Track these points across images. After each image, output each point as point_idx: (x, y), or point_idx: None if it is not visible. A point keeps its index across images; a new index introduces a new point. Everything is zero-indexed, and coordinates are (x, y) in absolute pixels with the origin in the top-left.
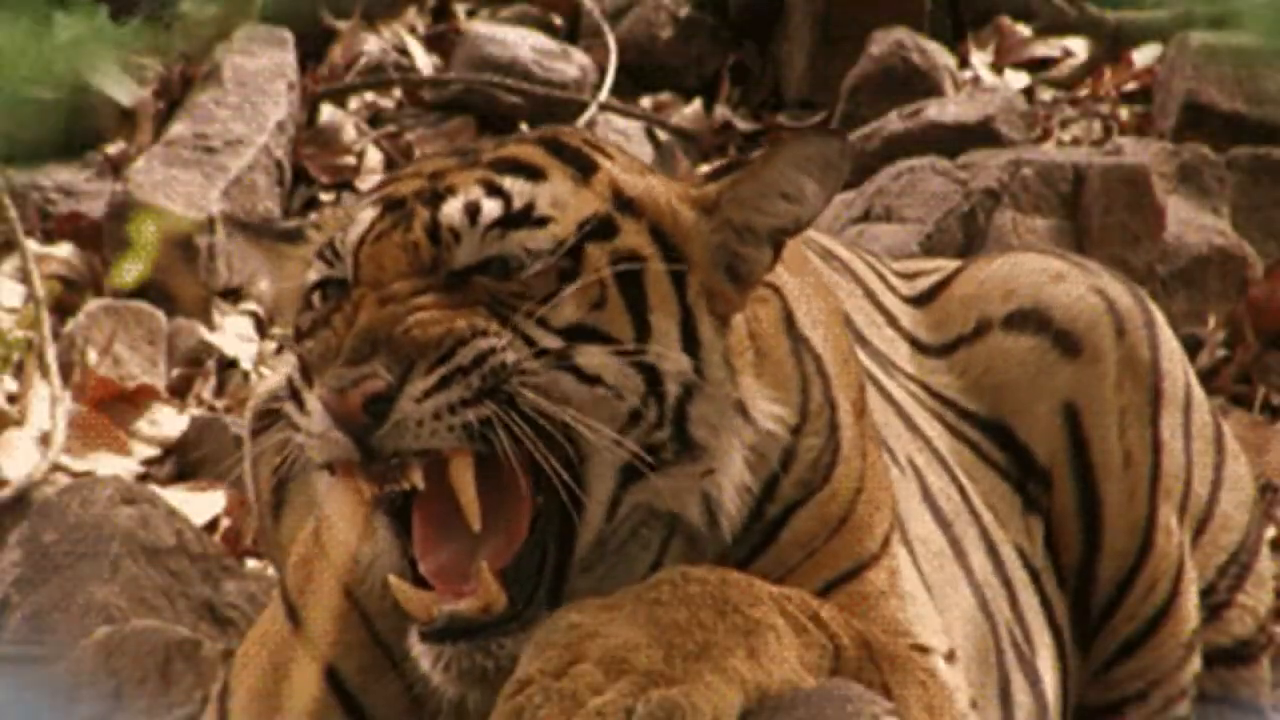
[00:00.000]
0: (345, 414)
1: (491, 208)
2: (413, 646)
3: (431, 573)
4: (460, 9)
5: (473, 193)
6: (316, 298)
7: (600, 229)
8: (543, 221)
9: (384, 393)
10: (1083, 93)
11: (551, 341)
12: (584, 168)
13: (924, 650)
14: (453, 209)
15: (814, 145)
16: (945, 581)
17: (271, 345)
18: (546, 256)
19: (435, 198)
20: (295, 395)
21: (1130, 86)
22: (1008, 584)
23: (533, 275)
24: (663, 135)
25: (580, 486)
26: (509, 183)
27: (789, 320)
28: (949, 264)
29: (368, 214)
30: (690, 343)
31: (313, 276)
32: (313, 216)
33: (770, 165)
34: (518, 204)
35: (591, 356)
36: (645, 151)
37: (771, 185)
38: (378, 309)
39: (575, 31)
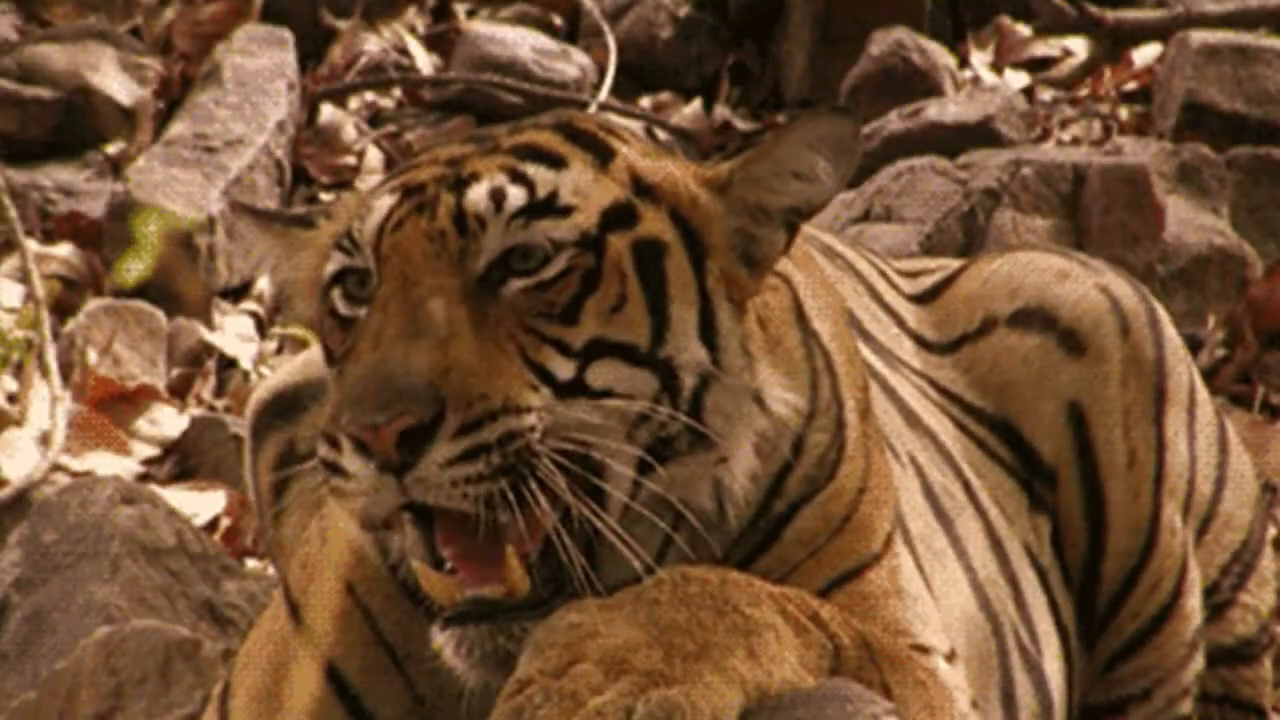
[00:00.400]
0: (381, 452)
1: (516, 195)
2: (435, 638)
3: (456, 559)
4: (460, 9)
5: (497, 179)
6: (336, 293)
7: (622, 217)
8: (566, 211)
9: (416, 428)
10: (1083, 93)
11: (566, 371)
12: (602, 154)
13: (924, 650)
14: (478, 195)
15: (826, 124)
16: (944, 581)
17: (272, 345)
18: (569, 248)
19: (459, 184)
20: (333, 464)
21: (1130, 86)
22: (1014, 582)
23: (557, 279)
24: (662, 135)
25: (598, 502)
26: (532, 170)
27: (799, 311)
28: (951, 263)
29: (385, 201)
30: (708, 331)
31: (330, 268)
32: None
33: (782, 143)
34: (542, 192)
35: (601, 372)
36: None
37: (783, 163)
38: (410, 343)
39: (575, 31)
